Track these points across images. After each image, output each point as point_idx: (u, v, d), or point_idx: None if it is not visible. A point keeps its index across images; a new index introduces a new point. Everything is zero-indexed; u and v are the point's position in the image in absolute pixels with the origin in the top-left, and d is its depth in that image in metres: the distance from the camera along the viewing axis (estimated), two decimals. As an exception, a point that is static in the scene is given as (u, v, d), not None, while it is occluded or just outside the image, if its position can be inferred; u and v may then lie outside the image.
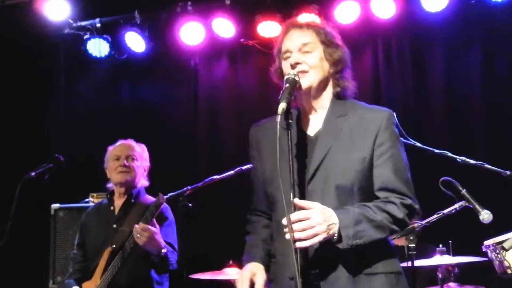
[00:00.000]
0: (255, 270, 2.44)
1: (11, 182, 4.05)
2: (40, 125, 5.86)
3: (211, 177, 4.14)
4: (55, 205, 4.78)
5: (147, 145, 5.74)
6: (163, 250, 3.60)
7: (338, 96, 2.53)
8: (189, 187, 4.07)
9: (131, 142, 4.09)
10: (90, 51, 5.84)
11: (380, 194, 2.40)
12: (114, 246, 3.73)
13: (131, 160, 3.96)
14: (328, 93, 2.53)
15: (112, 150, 4.05)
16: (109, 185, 4.05)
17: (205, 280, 4.31)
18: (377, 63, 5.60)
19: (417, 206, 2.44)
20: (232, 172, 4.10)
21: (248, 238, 2.60)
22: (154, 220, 3.58)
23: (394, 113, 3.52)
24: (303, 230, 2.20)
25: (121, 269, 3.66)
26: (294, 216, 2.21)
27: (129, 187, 3.94)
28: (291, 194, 2.27)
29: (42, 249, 4.38)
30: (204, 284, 4.36)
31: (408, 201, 2.40)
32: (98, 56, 5.87)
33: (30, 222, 4.89)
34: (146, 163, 4.08)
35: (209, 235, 5.63)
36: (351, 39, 5.10)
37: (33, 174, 3.92)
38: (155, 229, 3.54)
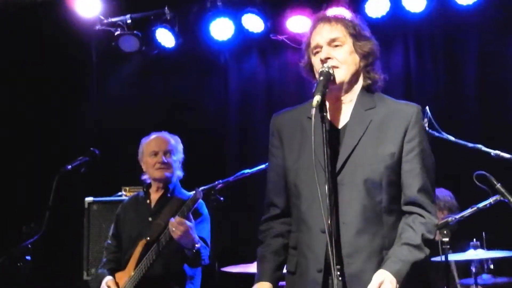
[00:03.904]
0: None
1: (46, 175, 4.13)
2: (74, 119, 5.95)
3: (242, 171, 4.17)
4: (89, 199, 4.83)
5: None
6: (197, 245, 3.62)
7: (368, 89, 2.52)
8: (220, 181, 4.11)
9: (166, 135, 4.06)
10: (121, 47, 5.91)
11: (414, 194, 2.39)
12: (148, 238, 3.75)
13: (169, 155, 3.95)
14: (358, 86, 2.52)
15: (148, 144, 4.01)
16: (145, 176, 4.04)
17: (236, 273, 4.33)
18: (408, 56, 5.55)
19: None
20: (263, 166, 4.12)
21: (259, 251, 2.57)
22: (191, 215, 3.59)
23: (427, 107, 3.53)
24: None
25: (155, 262, 3.69)
26: None
27: (167, 182, 3.97)
28: (326, 186, 2.27)
29: (76, 241, 4.44)
30: (236, 277, 4.38)
31: (436, 221, 2.42)
32: (129, 51, 5.93)
33: (65, 215, 4.97)
34: (181, 155, 4.07)
35: (240, 229, 5.66)
36: (382, 33, 5.12)
37: (69, 167, 3.99)
38: (191, 223, 3.57)
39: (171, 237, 3.57)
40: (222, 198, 4.04)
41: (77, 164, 4.05)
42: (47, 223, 3.85)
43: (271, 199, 2.60)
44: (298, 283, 2.44)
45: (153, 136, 4.05)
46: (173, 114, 6.00)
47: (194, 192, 3.63)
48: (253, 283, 2.51)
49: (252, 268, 4.26)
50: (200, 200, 3.87)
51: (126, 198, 4.29)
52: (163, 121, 5.93)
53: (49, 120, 5.84)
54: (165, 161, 3.92)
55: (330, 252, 2.18)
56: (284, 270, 2.57)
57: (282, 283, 2.59)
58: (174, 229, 3.52)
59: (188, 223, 3.54)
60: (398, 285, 2.24)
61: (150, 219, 3.89)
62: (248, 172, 4.16)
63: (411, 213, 2.40)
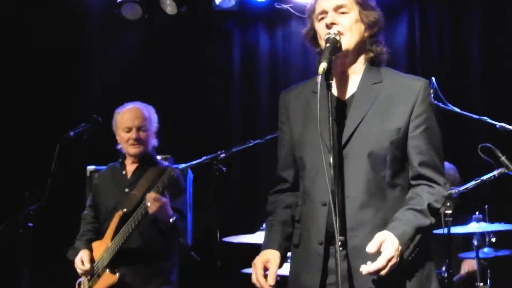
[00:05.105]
0: (268, 257, 2.43)
1: (49, 140, 4.13)
2: (77, 86, 5.92)
3: (246, 142, 4.15)
4: (91, 167, 4.83)
5: (181, 109, 5.82)
6: (172, 219, 3.65)
7: (372, 62, 2.47)
8: (223, 151, 4.09)
9: (139, 108, 3.97)
10: (124, 15, 5.84)
11: (420, 168, 2.36)
12: (125, 210, 3.79)
13: (142, 131, 3.90)
14: (363, 58, 2.47)
15: (121, 118, 3.95)
16: (120, 146, 4.01)
17: (238, 244, 4.34)
18: (413, 27, 5.49)
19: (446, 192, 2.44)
20: (267, 136, 4.11)
21: (267, 220, 2.59)
22: (166, 191, 3.61)
23: (433, 78, 3.49)
24: (384, 267, 2.15)
25: (132, 234, 3.72)
26: (377, 264, 2.15)
27: (141, 156, 3.96)
28: (331, 157, 2.24)
29: (78, 209, 4.44)
30: (237, 247, 4.40)
31: (445, 193, 2.40)
32: (132, 19, 5.87)
33: (67, 182, 4.98)
34: (155, 125, 4.01)
35: (242, 199, 5.67)
36: (387, 3, 5.08)
37: (72, 133, 3.98)
38: (166, 199, 3.59)
39: (147, 211, 3.59)
40: (224, 169, 4.03)
41: (80, 131, 4.04)
42: (49, 190, 3.86)
43: (280, 174, 2.60)
44: (301, 255, 2.44)
45: (127, 108, 3.98)
46: (175, 83, 5.97)
47: (169, 169, 3.63)
48: (255, 253, 2.51)
49: (254, 238, 4.27)
50: (178, 172, 3.83)
51: (104, 168, 4.28)
52: (165, 90, 5.91)
53: (53, 87, 5.81)
54: (138, 137, 3.88)
55: (334, 223, 2.15)
56: None
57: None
58: (149, 204, 3.54)
59: (163, 199, 3.56)
60: (401, 248, 2.19)
61: (126, 190, 3.90)
62: (251, 143, 4.15)
63: (419, 184, 2.38)
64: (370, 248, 2.16)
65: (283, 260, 2.48)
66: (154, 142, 4.00)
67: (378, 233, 2.21)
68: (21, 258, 4.16)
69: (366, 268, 2.15)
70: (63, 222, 4.99)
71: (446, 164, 4.60)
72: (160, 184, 3.57)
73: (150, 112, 4.00)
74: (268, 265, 2.41)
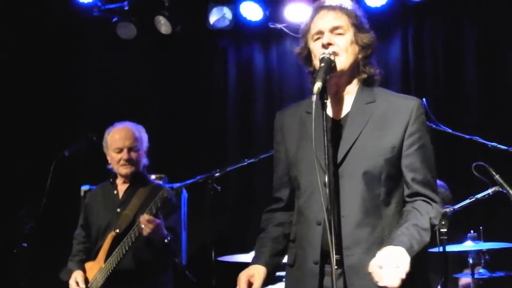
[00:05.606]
0: (253, 272, 2.45)
1: (42, 159, 4.12)
2: (73, 104, 5.92)
3: (244, 160, 4.16)
4: (85, 187, 4.82)
5: (177, 128, 5.82)
6: (166, 240, 3.66)
7: (365, 83, 2.51)
8: (218, 170, 4.09)
9: (130, 128, 3.96)
10: (118, 34, 5.86)
11: (416, 186, 2.38)
12: (117, 230, 3.78)
13: (133, 151, 3.89)
14: (356, 79, 2.50)
15: (111, 138, 3.94)
16: (111, 166, 4.00)
17: (232, 263, 4.33)
18: (406, 45, 5.52)
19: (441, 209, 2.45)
20: (262, 156, 4.12)
21: (258, 237, 2.61)
22: (159, 212, 3.62)
23: (424, 99, 3.52)
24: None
25: (126, 255, 3.71)
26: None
27: (133, 176, 3.95)
28: (326, 177, 2.26)
29: (72, 229, 4.43)
30: (232, 266, 4.38)
31: (441, 210, 2.42)
32: (127, 38, 5.89)
33: (62, 201, 4.97)
34: (146, 145, 4.00)
35: (237, 218, 5.66)
36: (381, 22, 5.12)
37: (67, 153, 3.97)
38: (160, 221, 3.59)
39: (141, 232, 3.59)
40: (219, 188, 4.03)
41: (74, 150, 4.04)
42: (44, 209, 3.85)
43: (276, 194, 2.63)
44: (296, 275, 2.45)
45: (117, 129, 3.97)
46: (171, 102, 5.98)
47: (162, 190, 3.63)
48: None
49: (248, 257, 4.25)
50: (170, 192, 3.81)
51: (94, 187, 4.26)
52: (161, 109, 5.92)
53: (48, 104, 5.81)
54: (129, 158, 3.88)
55: (330, 242, 2.16)
56: (285, 260, 2.59)
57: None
58: (143, 226, 3.54)
59: (157, 220, 3.56)
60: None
61: (118, 210, 3.89)
62: (246, 161, 4.16)
63: (415, 200, 2.40)
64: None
65: (269, 276, 2.49)
66: (145, 161, 4.00)
67: (385, 247, 2.19)
68: (15, 278, 4.15)
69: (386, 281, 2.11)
70: (57, 242, 4.96)
71: (438, 182, 4.61)
72: (153, 205, 3.57)
73: (141, 132, 3.99)
74: (253, 279, 2.43)
